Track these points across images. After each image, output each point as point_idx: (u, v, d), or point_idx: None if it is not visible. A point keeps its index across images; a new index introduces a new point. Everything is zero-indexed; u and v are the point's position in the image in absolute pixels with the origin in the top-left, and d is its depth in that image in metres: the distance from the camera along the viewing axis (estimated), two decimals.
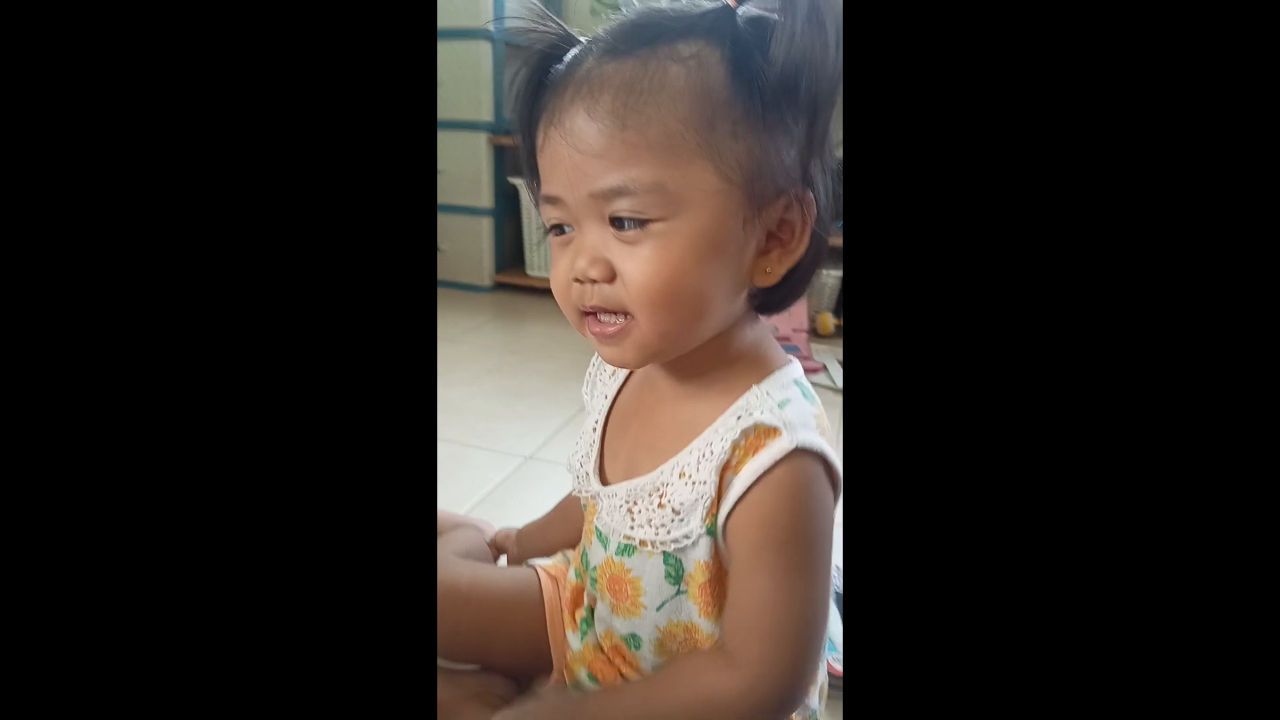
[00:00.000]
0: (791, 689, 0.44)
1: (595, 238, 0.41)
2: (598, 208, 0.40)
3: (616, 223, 0.40)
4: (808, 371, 1.44)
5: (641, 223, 0.39)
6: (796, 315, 1.60)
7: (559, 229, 0.43)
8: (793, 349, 1.52)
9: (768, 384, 0.44)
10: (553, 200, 0.42)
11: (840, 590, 0.71)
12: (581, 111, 0.39)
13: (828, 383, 1.43)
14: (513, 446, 1.07)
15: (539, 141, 0.42)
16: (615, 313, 0.42)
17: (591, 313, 0.43)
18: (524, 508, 0.86)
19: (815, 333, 1.72)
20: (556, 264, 0.43)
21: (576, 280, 0.42)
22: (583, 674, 0.55)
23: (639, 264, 0.40)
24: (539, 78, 0.42)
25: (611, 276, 0.41)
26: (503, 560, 0.73)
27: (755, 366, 0.45)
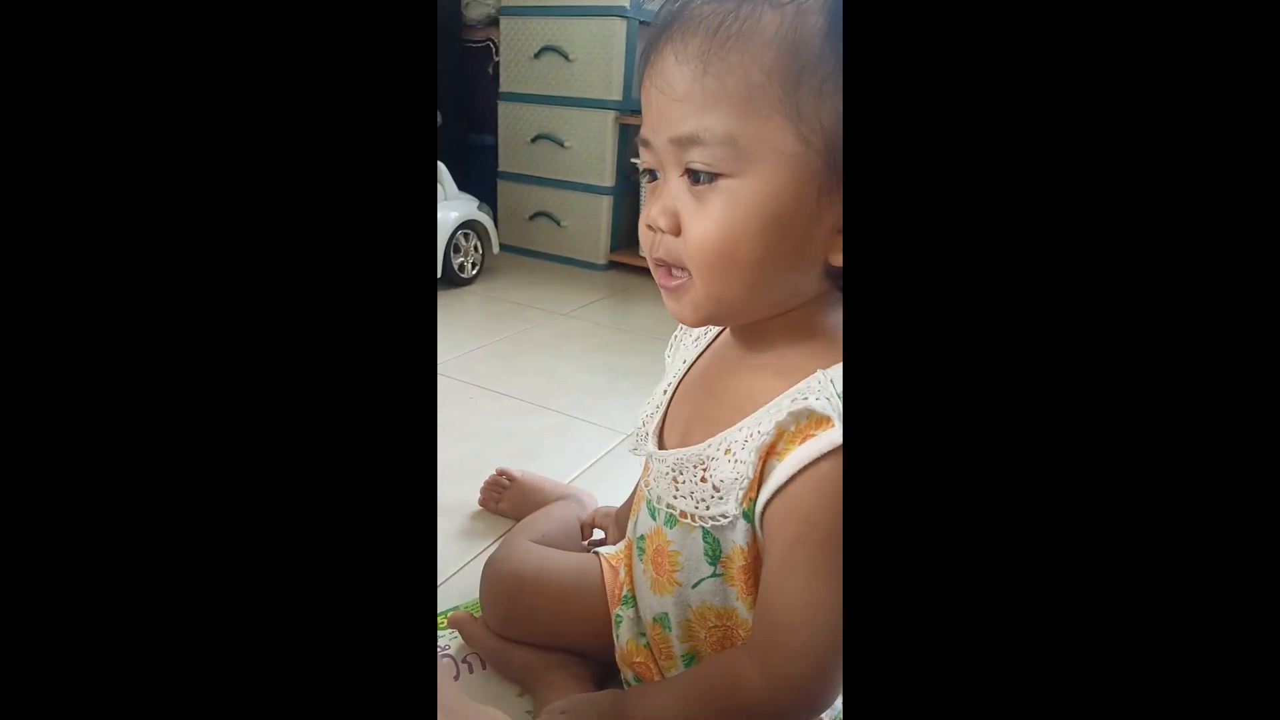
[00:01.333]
0: (817, 696, 0.42)
1: (673, 187, 0.40)
2: (677, 155, 0.39)
3: (692, 175, 0.39)
4: None
5: (713, 177, 0.38)
6: None
7: (651, 174, 0.43)
8: None
9: (836, 371, 0.40)
10: (644, 143, 0.42)
11: None
12: (671, 53, 0.38)
13: None
14: (616, 422, 1.09)
15: (642, 81, 0.41)
16: (680, 267, 0.41)
17: (662, 264, 0.42)
18: (624, 480, 0.87)
19: None
20: (644, 210, 0.43)
21: (649, 227, 0.42)
22: (629, 675, 0.56)
23: (699, 221, 0.39)
24: (661, 15, 0.41)
25: (678, 229, 0.40)
26: (599, 533, 0.74)
27: (829, 351, 0.42)
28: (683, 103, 0.38)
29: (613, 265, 2.01)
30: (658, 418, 0.52)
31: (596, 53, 1.82)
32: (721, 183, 0.38)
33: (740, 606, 0.45)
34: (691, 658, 0.50)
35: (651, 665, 0.54)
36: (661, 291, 0.43)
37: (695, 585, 0.46)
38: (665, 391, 0.53)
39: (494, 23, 2.05)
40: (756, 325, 0.44)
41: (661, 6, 0.41)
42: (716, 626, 0.47)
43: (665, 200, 0.40)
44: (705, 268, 0.40)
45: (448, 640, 0.63)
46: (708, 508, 0.43)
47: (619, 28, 1.78)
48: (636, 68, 0.43)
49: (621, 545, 0.61)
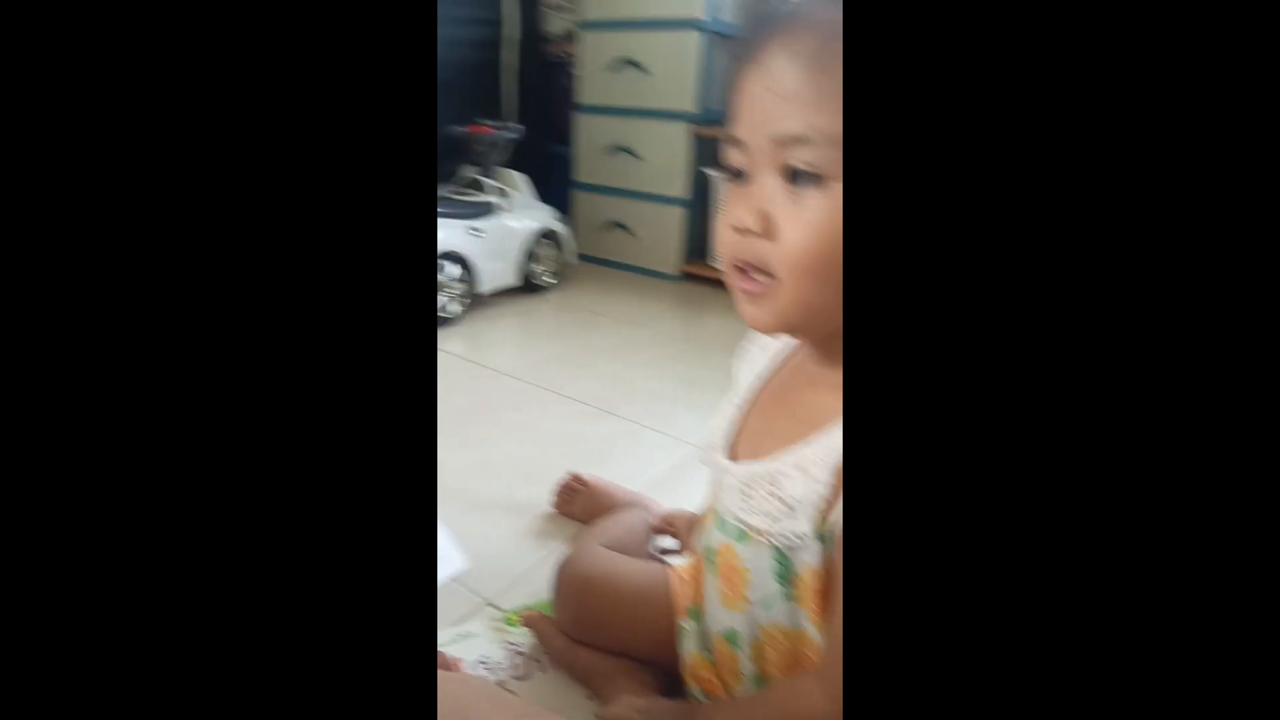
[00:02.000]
0: None
1: (767, 188, 0.39)
2: (776, 155, 0.39)
3: (791, 175, 0.38)
4: None
5: (815, 179, 0.38)
6: None
7: (737, 174, 0.42)
8: None
9: None
10: (736, 142, 0.41)
11: None
12: (782, 50, 0.38)
13: None
14: (684, 432, 1.09)
15: (738, 79, 0.40)
16: (764, 272, 0.40)
17: (743, 268, 0.41)
18: (693, 490, 0.88)
19: None
20: (726, 211, 0.42)
21: (735, 229, 0.41)
22: (696, 690, 0.56)
23: (798, 225, 0.38)
24: (761, 14, 0.41)
25: (769, 233, 0.39)
26: (669, 541, 0.75)
27: None
28: (791, 101, 0.37)
29: (685, 276, 2.02)
30: (727, 430, 0.52)
31: (672, 65, 1.84)
32: (826, 185, 0.38)
33: (811, 629, 0.45)
34: (759, 679, 0.50)
35: (716, 681, 0.54)
36: (737, 295, 0.43)
37: (765, 604, 0.46)
38: (735, 404, 0.54)
39: (573, 36, 2.10)
40: (831, 339, 0.44)
41: (754, 6, 0.41)
42: (786, 648, 0.47)
43: (756, 201, 0.40)
44: (799, 273, 0.39)
45: (519, 638, 0.66)
46: (778, 523, 0.43)
47: (694, 40, 1.79)
48: (732, 64, 0.42)
49: (690, 557, 0.62)
